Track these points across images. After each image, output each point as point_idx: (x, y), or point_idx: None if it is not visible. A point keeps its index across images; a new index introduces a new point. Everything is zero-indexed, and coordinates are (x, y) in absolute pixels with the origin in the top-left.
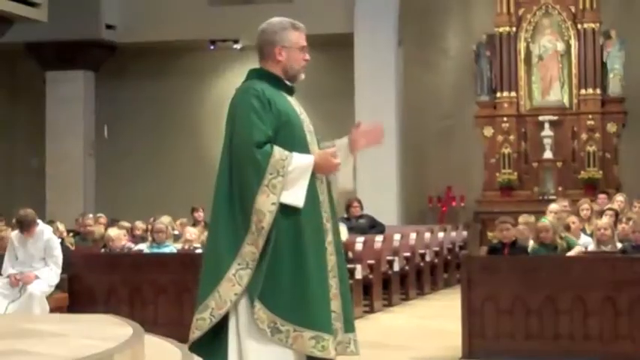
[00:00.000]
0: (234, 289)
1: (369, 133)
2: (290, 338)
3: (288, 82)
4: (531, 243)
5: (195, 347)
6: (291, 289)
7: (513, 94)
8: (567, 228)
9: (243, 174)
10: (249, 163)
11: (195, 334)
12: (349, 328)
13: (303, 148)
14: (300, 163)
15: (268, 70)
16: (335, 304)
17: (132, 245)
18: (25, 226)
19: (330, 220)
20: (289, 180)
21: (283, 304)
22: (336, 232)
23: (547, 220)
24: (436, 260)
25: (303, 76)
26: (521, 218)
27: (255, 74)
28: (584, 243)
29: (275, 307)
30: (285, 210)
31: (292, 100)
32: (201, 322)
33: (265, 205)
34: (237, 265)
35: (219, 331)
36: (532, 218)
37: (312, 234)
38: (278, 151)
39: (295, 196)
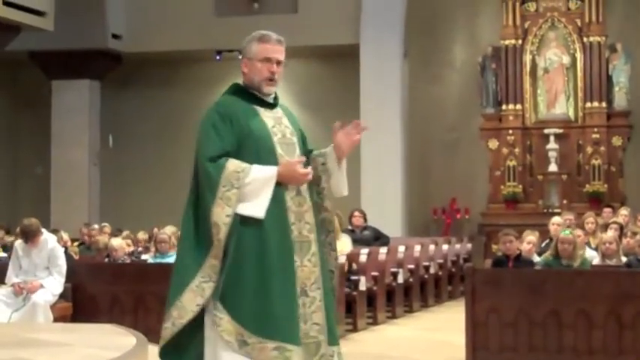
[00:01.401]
0: (197, 300)
1: (348, 132)
2: (256, 350)
3: (259, 94)
4: (534, 256)
5: (162, 355)
6: (254, 300)
7: (519, 106)
8: None
9: (201, 188)
10: (204, 177)
11: (160, 342)
12: (333, 340)
13: (272, 160)
14: (259, 174)
15: (244, 83)
16: (318, 316)
17: (139, 248)
18: (30, 237)
19: (313, 231)
20: (248, 192)
21: (248, 315)
22: (322, 244)
23: (569, 232)
24: (440, 272)
25: (272, 88)
26: (525, 234)
27: (231, 88)
28: (590, 257)
29: (241, 319)
30: (247, 221)
31: (266, 113)
32: (165, 331)
33: (220, 217)
34: (200, 278)
35: (186, 341)
36: (536, 233)
37: (277, 245)
38: (232, 164)
39: (255, 208)
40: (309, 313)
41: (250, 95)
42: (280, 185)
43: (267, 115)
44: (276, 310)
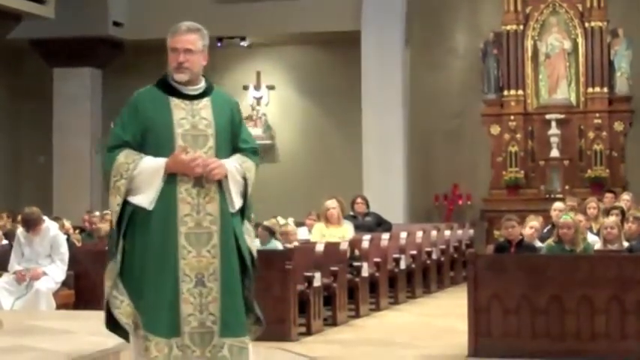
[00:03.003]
0: (107, 283)
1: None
2: (137, 336)
3: (176, 85)
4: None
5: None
6: (136, 287)
7: (520, 92)
8: None
9: None
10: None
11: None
12: (226, 332)
13: (169, 152)
14: (147, 165)
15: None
16: (213, 307)
17: None
18: (31, 225)
19: (216, 223)
20: (139, 182)
21: (137, 302)
22: (230, 236)
23: (570, 217)
24: (442, 258)
25: (181, 76)
26: (528, 219)
27: (158, 79)
28: (591, 242)
29: (136, 304)
30: (138, 210)
31: (180, 104)
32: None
33: (112, 205)
34: (112, 263)
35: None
36: (539, 219)
37: (160, 235)
38: (124, 155)
39: (142, 198)
40: (206, 304)
41: (169, 86)
42: (175, 176)
43: (179, 107)
44: (148, 299)
